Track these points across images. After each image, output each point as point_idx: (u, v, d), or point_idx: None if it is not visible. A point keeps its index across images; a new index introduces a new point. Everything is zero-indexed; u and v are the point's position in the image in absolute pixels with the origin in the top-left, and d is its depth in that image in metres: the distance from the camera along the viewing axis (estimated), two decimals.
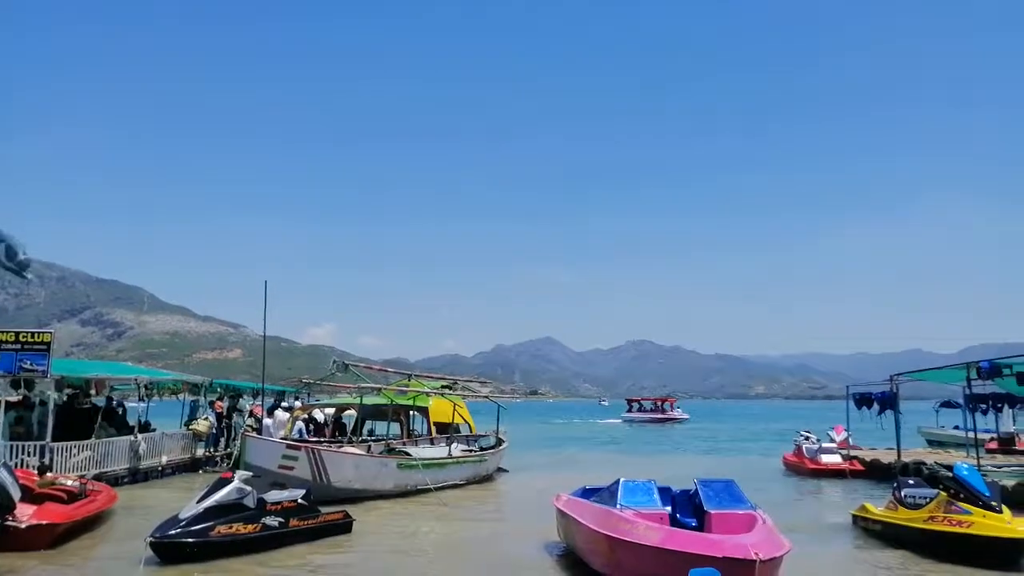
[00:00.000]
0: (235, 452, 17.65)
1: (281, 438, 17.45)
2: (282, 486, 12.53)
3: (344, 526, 11.93)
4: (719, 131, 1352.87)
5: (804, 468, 21.70)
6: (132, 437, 18.07)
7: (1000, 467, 17.67)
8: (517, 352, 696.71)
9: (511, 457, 23.80)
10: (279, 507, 10.83)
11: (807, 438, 23.15)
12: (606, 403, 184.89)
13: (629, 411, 73.76)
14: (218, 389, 24.46)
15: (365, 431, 22.72)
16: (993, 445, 23.08)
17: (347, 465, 15.72)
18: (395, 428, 22.91)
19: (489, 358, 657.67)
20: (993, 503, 10.16)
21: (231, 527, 9.93)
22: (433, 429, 22.27)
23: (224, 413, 22.95)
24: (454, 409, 21.27)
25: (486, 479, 20.23)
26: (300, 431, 20.22)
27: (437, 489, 16.74)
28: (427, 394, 21.17)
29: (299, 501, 11.31)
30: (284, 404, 24.87)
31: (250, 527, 10.15)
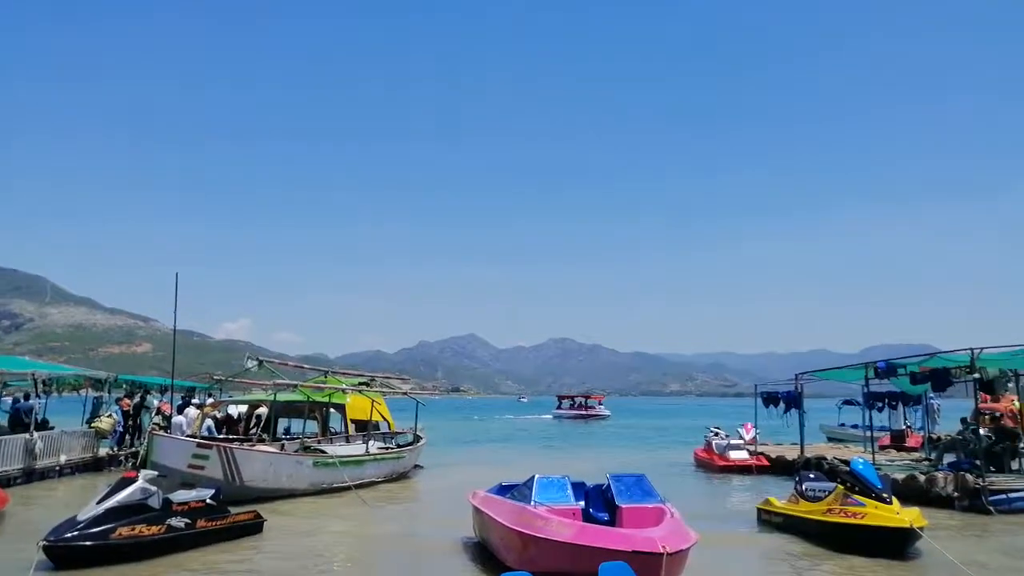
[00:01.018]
0: (141, 451, 16.96)
1: (189, 436, 16.86)
2: (191, 486, 12.12)
3: (255, 526, 11.64)
4: (641, 135, 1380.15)
5: (714, 464, 22.42)
6: (27, 435, 17.11)
7: (892, 462, 18.72)
8: (440, 348, 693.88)
9: (431, 454, 23.72)
10: (186, 508, 10.46)
11: (717, 434, 23.95)
12: (525, 400, 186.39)
13: (559, 408, 74.51)
14: (124, 385, 23.44)
15: (281, 429, 22.22)
16: (886, 441, 24.41)
17: (260, 464, 15.33)
18: (312, 426, 22.47)
19: (412, 355, 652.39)
20: (885, 495, 10.76)
21: (134, 529, 9.52)
22: (350, 426, 21.96)
23: (131, 411, 22.01)
24: (372, 406, 21.03)
25: (404, 476, 20.11)
26: (209, 428, 19.58)
27: (354, 487, 16.52)
28: (344, 391, 20.84)
29: (208, 501, 10.94)
30: (195, 401, 24.06)
31: (154, 529, 9.76)
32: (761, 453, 22.40)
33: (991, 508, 13.53)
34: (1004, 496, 13.77)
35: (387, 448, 20.52)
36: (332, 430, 22.12)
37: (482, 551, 10.38)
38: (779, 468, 21.04)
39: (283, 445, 18.13)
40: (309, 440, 19.13)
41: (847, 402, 33.43)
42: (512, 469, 17.81)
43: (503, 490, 10.85)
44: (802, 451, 20.06)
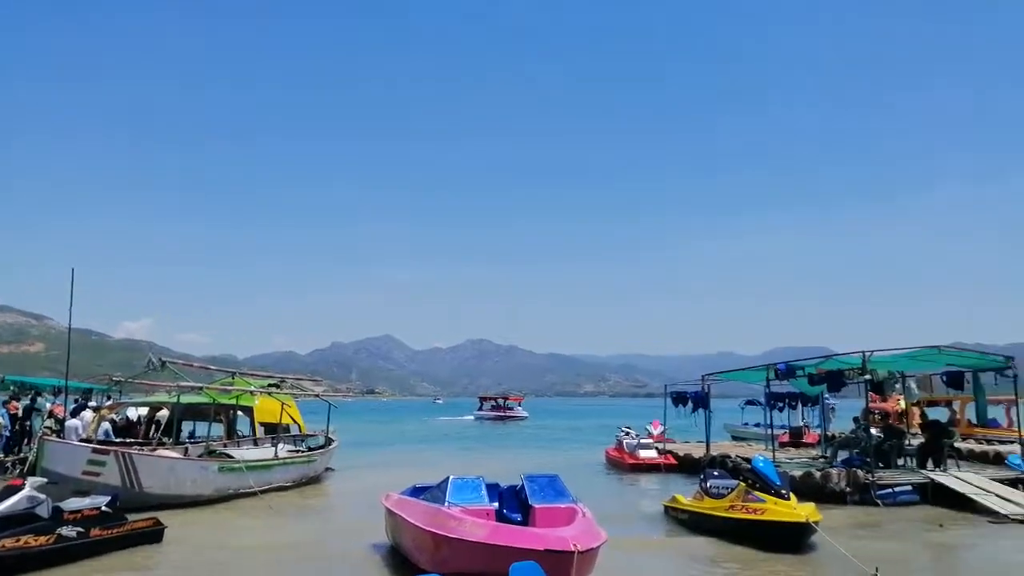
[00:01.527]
0: (30, 457, 15.97)
1: (84, 441, 15.99)
2: (85, 493, 11.51)
3: (154, 534, 11.14)
4: (559, 136, 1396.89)
5: (624, 462, 22.94)
6: None
7: (791, 459, 19.60)
8: (355, 350, 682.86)
9: (344, 457, 23.31)
10: (78, 516, 9.92)
11: (627, 434, 24.52)
12: (441, 401, 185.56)
13: (480, 409, 74.75)
14: (11, 387, 22.02)
15: (185, 433, 21.40)
16: (785, 439, 25.54)
17: (162, 469, 14.69)
18: (218, 429, 21.70)
19: (325, 356, 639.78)
20: (783, 492, 11.30)
21: (19, 540, 8.95)
22: (259, 429, 21.35)
23: (20, 414, 20.67)
24: (282, 408, 20.50)
25: (315, 480, 19.69)
26: (107, 432, 18.63)
27: (262, 492, 16.06)
28: (253, 393, 20.22)
29: (102, 509, 10.40)
30: (92, 404, 22.84)
31: (42, 539, 9.21)
32: (669, 452, 23.05)
33: (879, 502, 14.36)
34: (890, 490, 14.65)
35: (297, 451, 20.05)
36: (239, 433, 21.45)
37: (395, 554, 10.28)
38: (686, 466, 21.70)
39: (187, 449, 17.46)
40: (214, 444, 18.49)
41: (750, 402, 34.78)
42: (428, 471, 17.67)
43: (417, 492, 10.80)
44: (708, 449, 20.74)
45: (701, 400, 22.05)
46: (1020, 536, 11.95)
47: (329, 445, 21.57)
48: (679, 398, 23.14)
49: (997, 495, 13.96)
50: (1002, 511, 13.15)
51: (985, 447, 20.46)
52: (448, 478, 9.61)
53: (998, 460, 17.70)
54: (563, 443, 37.70)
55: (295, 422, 22.91)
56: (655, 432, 24.39)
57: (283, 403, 20.67)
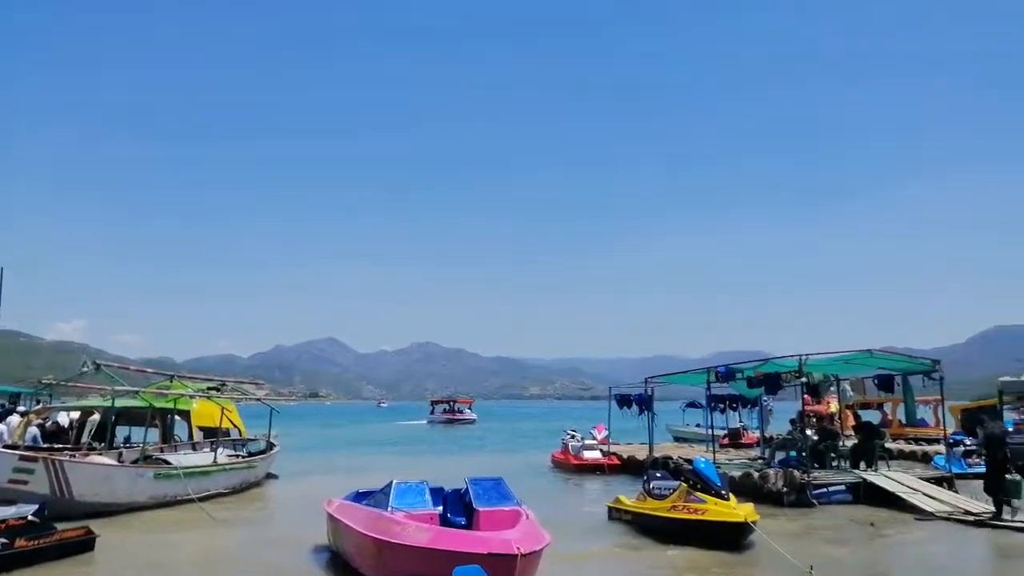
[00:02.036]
0: None
1: (9, 447, 15.33)
2: (12, 502, 11.03)
3: (85, 544, 10.74)
4: (503, 136, 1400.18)
5: (569, 465, 23.12)
6: None
7: (731, 460, 20.06)
8: (298, 353, 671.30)
9: (287, 462, 22.89)
10: (2, 527, 9.50)
11: (573, 436, 24.72)
12: (385, 405, 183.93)
13: (432, 413, 74.49)
14: None
15: (121, 438, 20.72)
16: (725, 440, 26.13)
17: (94, 476, 14.16)
18: (155, 434, 21.06)
19: (267, 359, 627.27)
20: (723, 492, 11.59)
21: None
22: (196, 434, 20.81)
23: None
24: (223, 413, 20.02)
25: (255, 486, 19.30)
26: (35, 438, 17.89)
27: (200, 499, 15.63)
28: (191, 397, 19.70)
29: (29, 518, 9.98)
30: (20, 408, 21.96)
31: None
32: (613, 453, 23.34)
33: (814, 501, 14.81)
34: (825, 490, 15.13)
35: (237, 457, 19.61)
36: (177, 439, 20.88)
37: (337, 561, 10.16)
38: (630, 467, 22.00)
39: (121, 455, 16.89)
40: (151, 449, 17.95)
41: (691, 404, 35.47)
42: (372, 476, 17.49)
43: (360, 497, 10.69)
44: (651, 451, 21.04)
45: (645, 402, 22.37)
46: (944, 532, 12.49)
47: (270, 450, 21.17)
48: (623, 400, 23.44)
49: (924, 493, 14.55)
50: (928, 508, 13.72)
51: (914, 447, 21.32)
52: (391, 482, 9.53)
53: (926, 460, 18.47)
54: (510, 446, 37.77)
55: (236, 427, 22.41)
56: (599, 435, 24.66)
57: (223, 407, 20.19)
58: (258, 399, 22.50)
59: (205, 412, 20.73)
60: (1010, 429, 23.89)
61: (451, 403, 76.51)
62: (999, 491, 12.85)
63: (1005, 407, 23.02)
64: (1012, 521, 12.52)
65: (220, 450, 18.50)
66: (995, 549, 11.36)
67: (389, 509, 8.93)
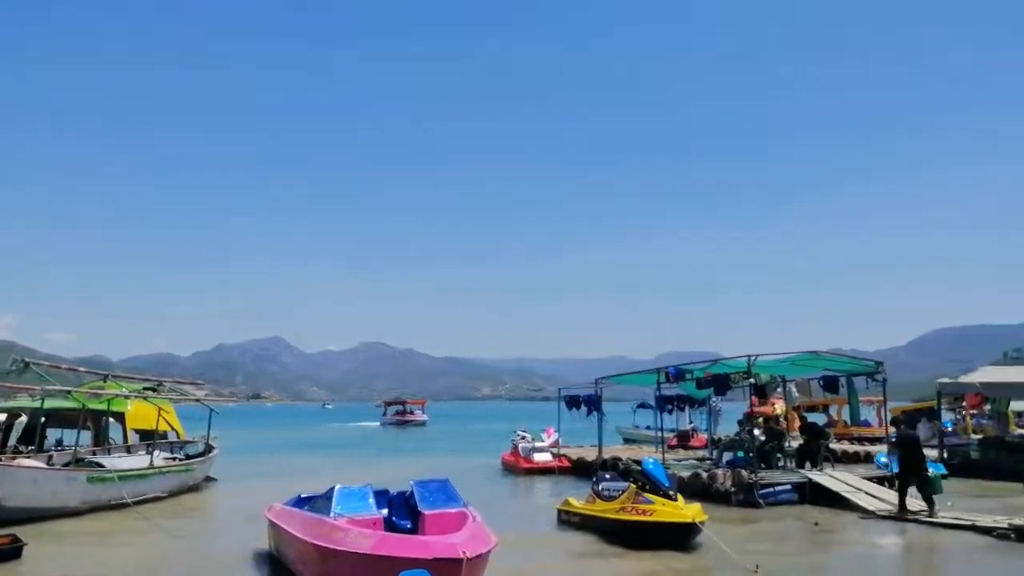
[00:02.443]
0: None
1: None
2: None
3: (11, 552, 10.18)
4: (453, 138, 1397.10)
5: (519, 467, 22.98)
6: None
7: (680, 461, 20.18)
8: (241, 352, 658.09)
9: (228, 466, 22.23)
10: None
11: (523, 438, 24.59)
12: (330, 407, 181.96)
13: (385, 414, 73.92)
14: None
15: (53, 440, 19.85)
16: (674, 441, 26.33)
17: (21, 480, 13.50)
18: (88, 437, 20.20)
19: (208, 358, 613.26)
20: (671, 492, 11.57)
21: None
22: (131, 437, 20.03)
23: None
24: (159, 414, 19.30)
25: (194, 490, 18.67)
26: None
27: (135, 503, 15.02)
28: (126, 397, 18.93)
29: None
30: None
31: None
32: (563, 455, 23.27)
33: (761, 501, 14.94)
34: (772, 490, 15.28)
35: (174, 460, 18.93)
36: (112, 441, 20.08)
37: (278, 568, 9.82)
38: (580, 469, 21.95)
39: (51, 458, 16.12)
40: (83, 452, 17.19)
41: (641, 405, 35.73)
42: (315, 480, 17.07)
43: (302, 502, 10.37)
44: (600, 452, 21.04)
45: (594, 403, 22.37)
46: (885, 530, 12.71)
47: (209, 453, 20.52)
48: (573, 401, 23.41)
49: (866, 492, 14.82)
50: (870, 507, 13.96)
51: (857, 447, 21.79)
52: (334, 487, 9.24)
53: (868, 459, 18.85)
54: (460, 447, 37.51)
55: (173, 429, 21.67)
56: (549, 438, 24.58)
57: (160, 408, 19.48)
58: (197, 400, 21.76)
59: (141, 413, 20.00)
60: (949, 429, 24.66)
61: (402, 404, 75.96)
62: (906, 489, 13.51)
63: (943, 408, 23.72)
64: (943, 517, 12.84)
65: (156, 453, 17.83)
66: (931, 545, 11.60)
67: (332, 514, 8.65)
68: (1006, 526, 11.66)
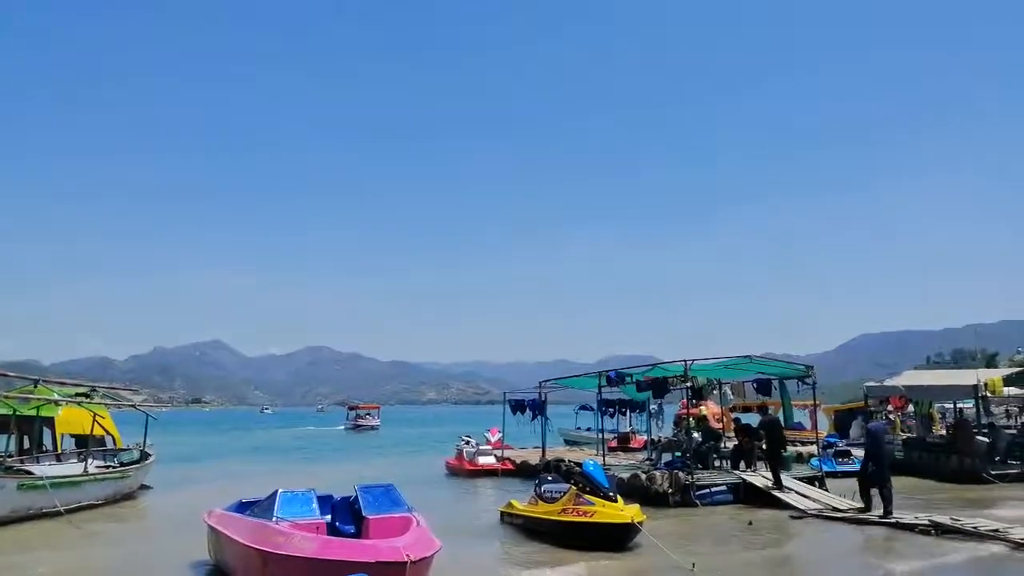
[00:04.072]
0: None
1: None
2: None
3: None
4: (396, 142, 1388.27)
5: (463, 470, 23.10)
6: None
7: (620, 462, 20.56)
8: (180, 356, 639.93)
9: (166, 472, 21.78)
10: None
11: (468, 442, 24.72)
12: (270, 411, 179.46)
13: (348, 419, 73.88)
14: None
15: None
16: (613, 443, 26.78)
17: None
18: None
19: (145, 362, 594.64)
20: (611, 494, 11.84)
21: None
22: (67, 443, 19.42)
23: None
24: (94, 420, 18.79)
25: (130, 497, 18.23)
26: None
27: (68, 511, 14.62)
28: (57, 403, 18.37)
29: None
30: None
31: None
32: (507, 458, 23.47)
33: (697, 502, 15.39)
34: (708, 491, 15.75)
35: (108, 467, 18.45)
36: (45, 448, 19.45)
37: (217, 574, 9.71)
38: (523, 471, 22.18)
39: None
40: (11, 460, 16.62)
41: (584, 408, 36.21)
42: (258, 485, 16.84)
43: (243, 507, 10.29)
44: (543, 455, 21.30)
45: (538, 407, 22.64)
46: (816, 528, 13.26)
47: (145, 459, 20.05)
48: (517, 405, 23.66)
49: (798, 492, 15.38)
50: (801, 507, 14.51)
51: (790, 449, 22.49)
52: (276, 491, 9.23)
53: (801, 460, 19.50)
54: (406, 451, 37.40)
55: (109, 435, 21.10)
56: (493, 440, 24.77)
57: (95, 414, 18.97)
58: (132, 405, 21.24)
59: (74, 419, 19.41)
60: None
61: (356, 408, 76.75)
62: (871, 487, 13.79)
63: (869, 410, 24.68)
64: (871, 516, 13.45)
65: (90, 460, 17.37)
66: (856, 542, 12.14)
67: (274, 519, 8.66)
68: (927, 522, 12.31)
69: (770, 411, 18.05)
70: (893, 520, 12.88)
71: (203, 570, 10.15)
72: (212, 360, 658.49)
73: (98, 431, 19.55)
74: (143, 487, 19.79)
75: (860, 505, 13.96)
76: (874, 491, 13.68)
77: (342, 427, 70.71)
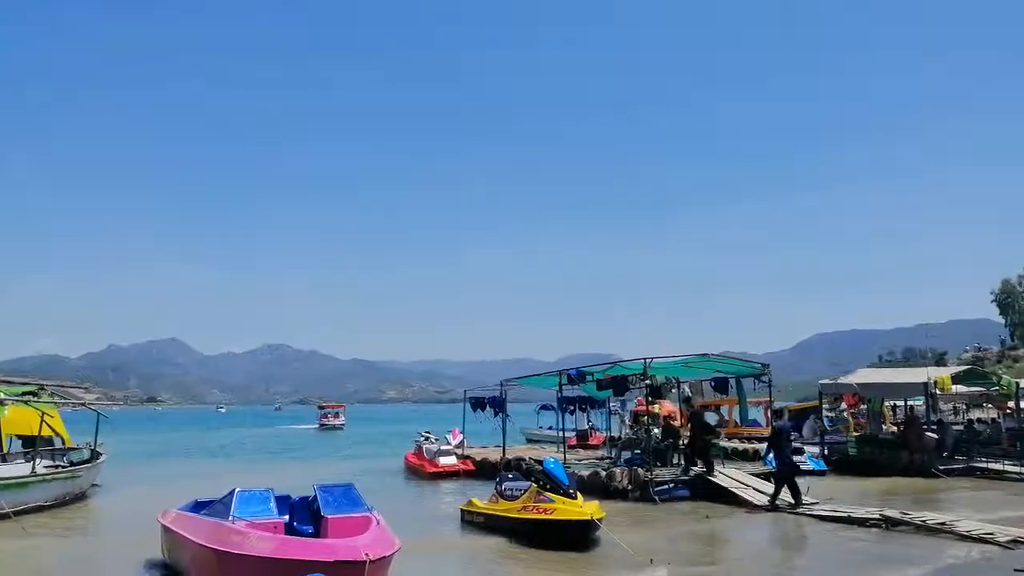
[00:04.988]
0: None
1: None
2: None
3: None
4: (358, 139, 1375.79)
5: (424, 469, 23.00)
6: None
7: (581, 460, 20.71)
8: (135, 353, 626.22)
9: (119, 472, 21.30)
10: None
11: (428, 439, 24.61)
12: (223, 410, 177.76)
13: (319, 418, 73.38)
14: None
15: None
16: (573, 441, 26.94)
17: None
18: None
19: (98, 360, 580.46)
20: (571, 491, 11.90)
21: None
22: (8, 444, 18.87)
23: None
24: (42, 419, 18.28)
25: (80, 498, 17.77)
26: None
27: (16, 513, 14.18)
28: (2, 402, 17.81)
29: None
30: None
31: None
32: (468, 457, 23.43)
33: (656, 498, 15.57)
34: (666, 487, 15.95)
35: (58, 467, 17.97)
36: None
37: (171, 575, 9.53)
38: (484, 470, 22.16)
39: None
40: None
41: (545, 406, 36.30)
42: (214, 485, 16.53)
43: (199, 507, 10.11)
44: (504, 453, 21.32)
45: (499, 405, 22.65)
46: (769, 523, 13.53)
47: (96, 459, 19.56)
48: (478, 403, 23.62)
49: (754, 488, 15.67)
50: (756, 502, 14.79)
51: (747, 445, 22.89)
52: (233, 490, 9.08)
53: (757, 457, 19.85)
54: (369, 450, 37.10)
55: (58, 435, 20.54)
56: (454, 440, 24.70)
57: (44, 413, 18.45)
58: (83, 403, 20.68)
59: (20, 419, 18.84)
60: (828, 427, 26.27)
61: (325, 408, 76.42)
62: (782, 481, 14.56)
63: (827, 407, 25.23)
64: (822, 510, 13.81)
65: (38, 460, 16.88)
66: (810, 535, 12.44)
67: (230, 518, 8.51)
68: (878, 516, 12.66)
69: (727, 409, 18.32)
70: (845, 514, 13.22)
71: (157, 571, 9.94)
72: (168, 358, 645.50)
73: (46, 431, 19.02)
74: (94, 487, 19.32)
75: (813, 501, 14.38)
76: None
77: (313, 426, 70.14)
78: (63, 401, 20.25)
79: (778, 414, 17.26)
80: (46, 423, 18.73)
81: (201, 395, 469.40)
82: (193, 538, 8.59)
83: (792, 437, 24.87)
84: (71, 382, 31.59)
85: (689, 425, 19.91)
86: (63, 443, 20.67)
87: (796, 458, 20.91)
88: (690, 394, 23.08)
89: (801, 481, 14.92)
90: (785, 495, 14.38)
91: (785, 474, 14.50)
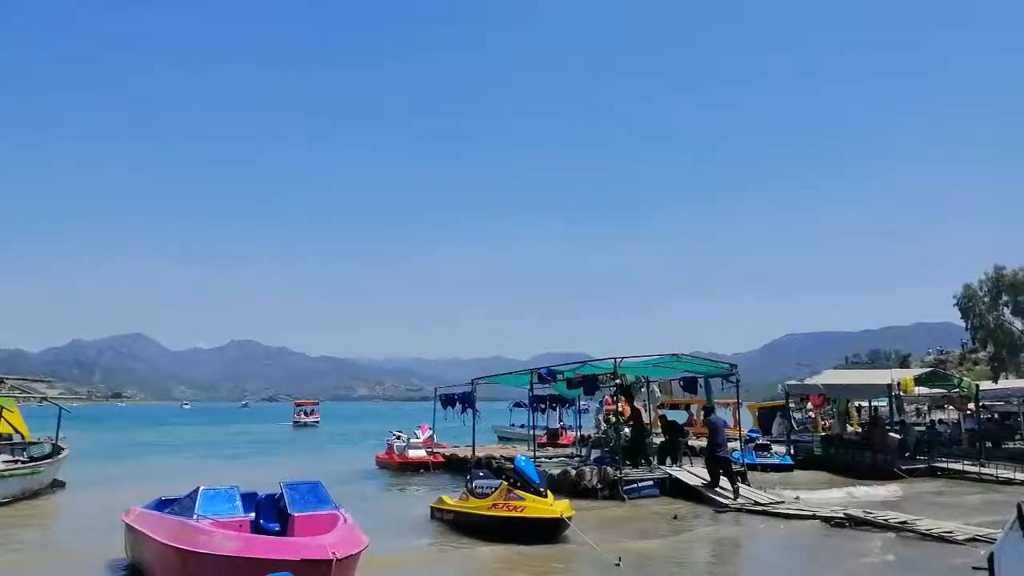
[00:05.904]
0: None
1: None
2: None
3: None
4: (326, 135, 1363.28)
5: (393, 465, 22.90)
6: None
7: (551, 458, 20.75)
8: (100, 348, 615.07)
9: (81, 469, 20.85)
10: None
11: (398, 437, 24.52)
12: (188, 406, 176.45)
13: (296, 415, 72.36)
14: None
15: None
16: (544, 439, 26.99)
17: None
18: None
19: (62, 355, 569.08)
20: (541, 489, 11.93)
21: None
22: None
23: None
24: (0, 413, 17.87)
25: (40, 495, 17.39)
26: None
27: None
28: None
29: None
30: None
31: None
32: (438, 453, 23.39)
33: (625, 496, 15.65)
34: (635, 485, 16.04)
35: (17, 462, 17.57)
36: None
37: (134, 575, 9.35)
38: (454, 465, 22.15)
39: None
40: None
41: (517, 404, 36.35)
42: (179, 483, 16.27)
43: (163, 505, 9.93)
44: (474, 450, 21.29)
45: (469, 402, 22.60)
46: (737, 521, 13.67)
47: (58, 455, 19.16)
48: (448, 400, 23.57)
49: (721, 487, 15.81)
50: (724, 501, 14.93)
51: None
52: (198, 488, 8.93)
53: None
54: (339, 447, 36.82)
55: (17, 430, 20.10)
56: (423, 435, 24.65)
57: (2, 408, 18.03)
58: (44, 397, 20.25)
59: None
60: (796, 427, 26.56)
61: (302, 405, 75.86)
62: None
63: (793, 406, 25.56)
64: (788, 508, 14.02)
65: None
66: (776, 533, 12.60)
67: (194, 517, 8.39)
68: (842, 515, 12.89)
69: (695, 409, 18.47)
70: (811, 512, 13.42)
71: (120, 571, 9.76)
72: (134, 354, 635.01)
73: (3, 427, 18.61)
74: (56, 483, 18.92)
75: (779, 499, 14.67)
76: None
77: (287, 424, 69.18)
78: (24, 395, 19.80)
79: (709, 410, 17.79)
80: (4, 418, 18.33)
81: (168, 391, 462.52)
82: (157, 537, 8.44)
83: (757, 435, 25.33)
84: (31, 376, 30.84)
85: (660, 425, 20.08)
86: (22, 438, 20.25)
87: (761, 454, 21.34)
88: (659, 393, 23.21)
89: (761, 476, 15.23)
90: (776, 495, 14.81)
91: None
